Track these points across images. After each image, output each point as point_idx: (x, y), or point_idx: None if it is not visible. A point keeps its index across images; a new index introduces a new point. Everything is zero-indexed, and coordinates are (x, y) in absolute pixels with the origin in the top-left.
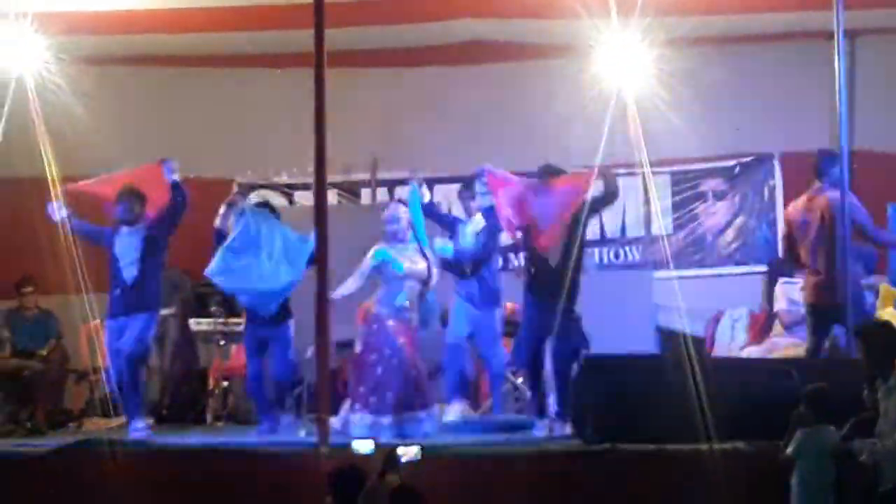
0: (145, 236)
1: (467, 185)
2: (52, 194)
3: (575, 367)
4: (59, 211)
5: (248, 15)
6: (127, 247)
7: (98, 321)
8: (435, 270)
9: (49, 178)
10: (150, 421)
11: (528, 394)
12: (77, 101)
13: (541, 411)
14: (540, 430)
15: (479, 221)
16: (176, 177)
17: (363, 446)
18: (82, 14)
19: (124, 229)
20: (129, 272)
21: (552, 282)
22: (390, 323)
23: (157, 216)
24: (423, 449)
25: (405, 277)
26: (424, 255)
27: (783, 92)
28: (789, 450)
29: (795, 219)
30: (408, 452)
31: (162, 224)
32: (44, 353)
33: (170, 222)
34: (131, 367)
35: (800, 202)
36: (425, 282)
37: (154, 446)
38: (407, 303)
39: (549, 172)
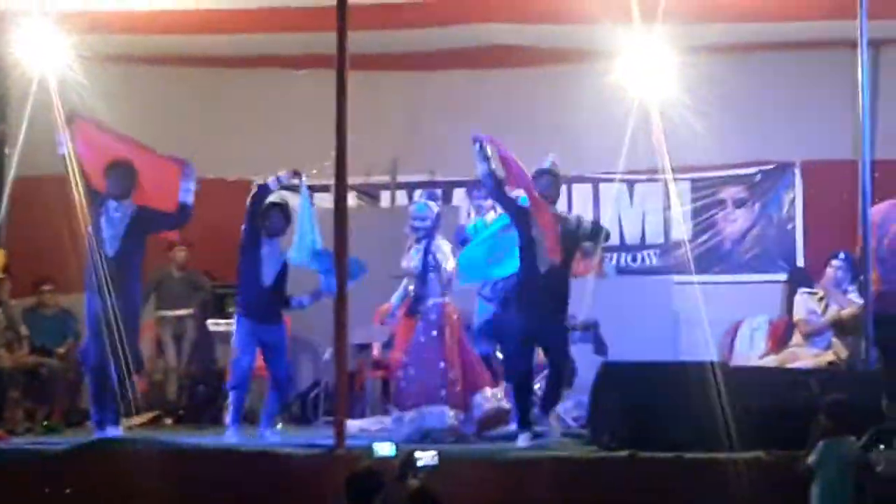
0: (133, 217)
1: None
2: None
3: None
4: (64, 144)
5: (271, 17)
6: (111, 221)
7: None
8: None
9: (71, 177)
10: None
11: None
12: (100, 100)
13: (526, 422)
14: (524, 441)
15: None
16: (190, 197)
17: (383, 449)
18: (105, 13)
19: (112, 203)
20: (112, 246)
21: (544, 287)
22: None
23: (154, 213)
24: (439, 454)
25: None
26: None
27: (806, 100)
28: (810, 460)
29: None
30: (425, 457)
31: (153, 222)
32: (61, 351)
33: (157, 228)
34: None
35: None
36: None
37: (169, 446)
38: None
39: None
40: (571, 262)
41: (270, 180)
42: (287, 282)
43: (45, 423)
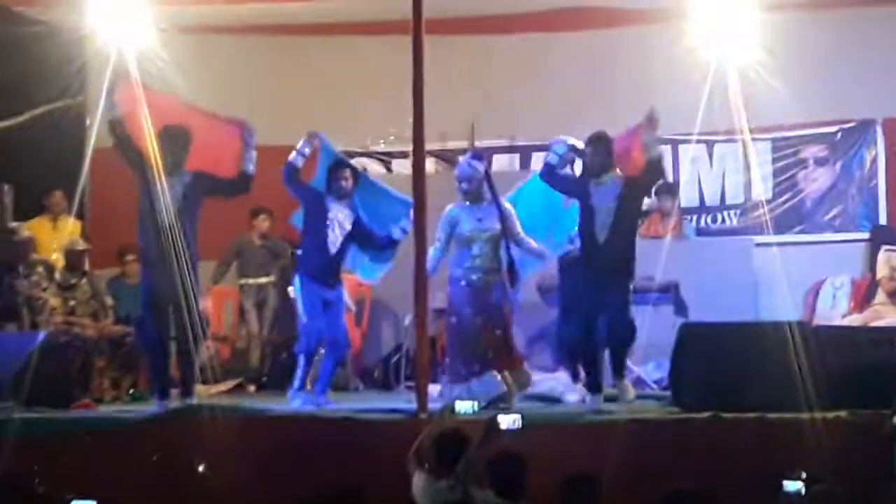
0: (187, 186)
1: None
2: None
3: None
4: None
5: None
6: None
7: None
8: (515, 226)
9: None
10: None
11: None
12: (177, 71)
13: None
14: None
15: None
16: (252, 165)
17: (464, 406)
18: None
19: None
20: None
21: (606, 257)
22: (463, 285)
23: (212, 180)
24: (523, 417)
25: (476, 238)
26: (501, 213)
27: (886, 57)
28: (895, 418)
29: None
30: (508, 420)
31: (212, 190)
32: None
33: (214, 194)
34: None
35: None
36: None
37: (253, 413)
38: (478, 262)
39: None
40: (636, 222)
41: (292, 156)
42: (350, 246)
43: (131, 391)
